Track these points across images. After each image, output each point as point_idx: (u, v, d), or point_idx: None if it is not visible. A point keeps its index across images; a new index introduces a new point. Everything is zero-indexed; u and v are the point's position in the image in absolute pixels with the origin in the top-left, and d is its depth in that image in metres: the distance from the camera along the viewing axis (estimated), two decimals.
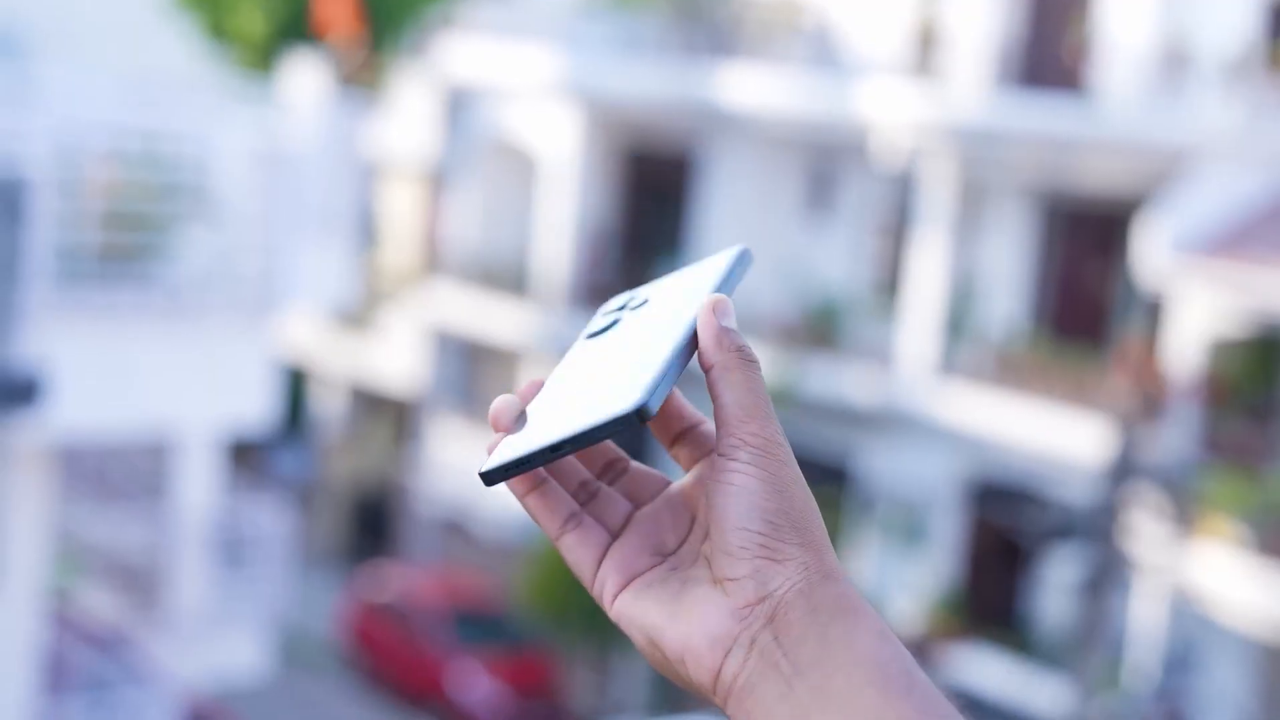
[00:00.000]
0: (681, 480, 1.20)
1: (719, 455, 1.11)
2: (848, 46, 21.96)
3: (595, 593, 1.14)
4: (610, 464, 1.20)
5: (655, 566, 1.14)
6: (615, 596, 1.12)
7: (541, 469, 1.14)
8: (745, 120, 22.38)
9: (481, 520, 25.27)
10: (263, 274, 13.46)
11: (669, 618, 1.09)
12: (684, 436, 1.20)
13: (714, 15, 23.76)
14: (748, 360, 1.13)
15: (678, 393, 1.21)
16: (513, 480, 1.13)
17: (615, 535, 1.16)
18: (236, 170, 13.45)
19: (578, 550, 1.14)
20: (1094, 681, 16.93)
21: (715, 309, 1.16)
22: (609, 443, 1.20)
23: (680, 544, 1.16)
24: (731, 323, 1.16)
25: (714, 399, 1.12)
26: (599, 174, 24.56)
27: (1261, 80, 17.86)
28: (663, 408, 1.20)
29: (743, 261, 1.23)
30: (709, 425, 1.21)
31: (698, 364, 1.16)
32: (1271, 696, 17.31)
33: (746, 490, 1.09)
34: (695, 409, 1.21)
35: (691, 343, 1.14)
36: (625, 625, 1.13)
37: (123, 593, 14.85)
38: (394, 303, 26.62)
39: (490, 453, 1.12)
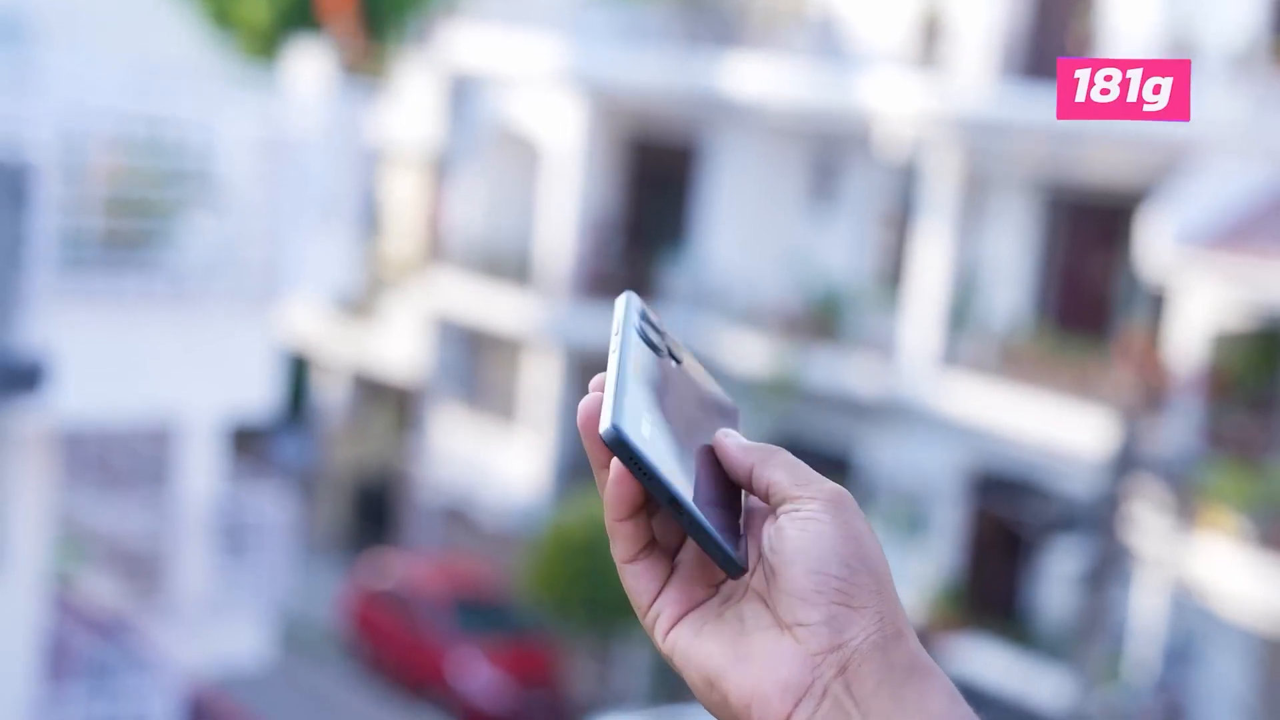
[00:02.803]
0: None
1: (788, 510, 1.10)
2: (852, 37, 21.95)
3: (648, 622, 1.12)
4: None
5: (710, 599, 1.12)
6: (670, 629, 1.11)
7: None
8: (749, 110, 22.37)
9: (483, 508, 25.28)
10: (266, 261, 13.46)
11: (734, 661, 1.08)
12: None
13: (718, 4, 23.74)
14: (781, 451, 1.14)
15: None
16: (623, 503, 1.12)
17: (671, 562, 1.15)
18: (240, 158, 13.45)
19: (643, 579, 1.12)
20: (1094, 673, 16.94)
21: (728, 438, 1.16)
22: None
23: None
24: (742, 439, 1.17)
25: (763, 488, 1.12)
26: (602, 163, 24.55)
27: (1266, 73, 17.84)
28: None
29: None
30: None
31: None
32: (1272, 689, 17.32)
33: (822, 535, 1.07)
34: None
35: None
36: (680, 662, 1.10)
37: (124, 579, 14.87)
38: (397, 290, 26.62)
39: (609, 411, 1.10)
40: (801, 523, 1.08)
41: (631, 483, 1.10)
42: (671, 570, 1.13)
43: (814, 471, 1.12)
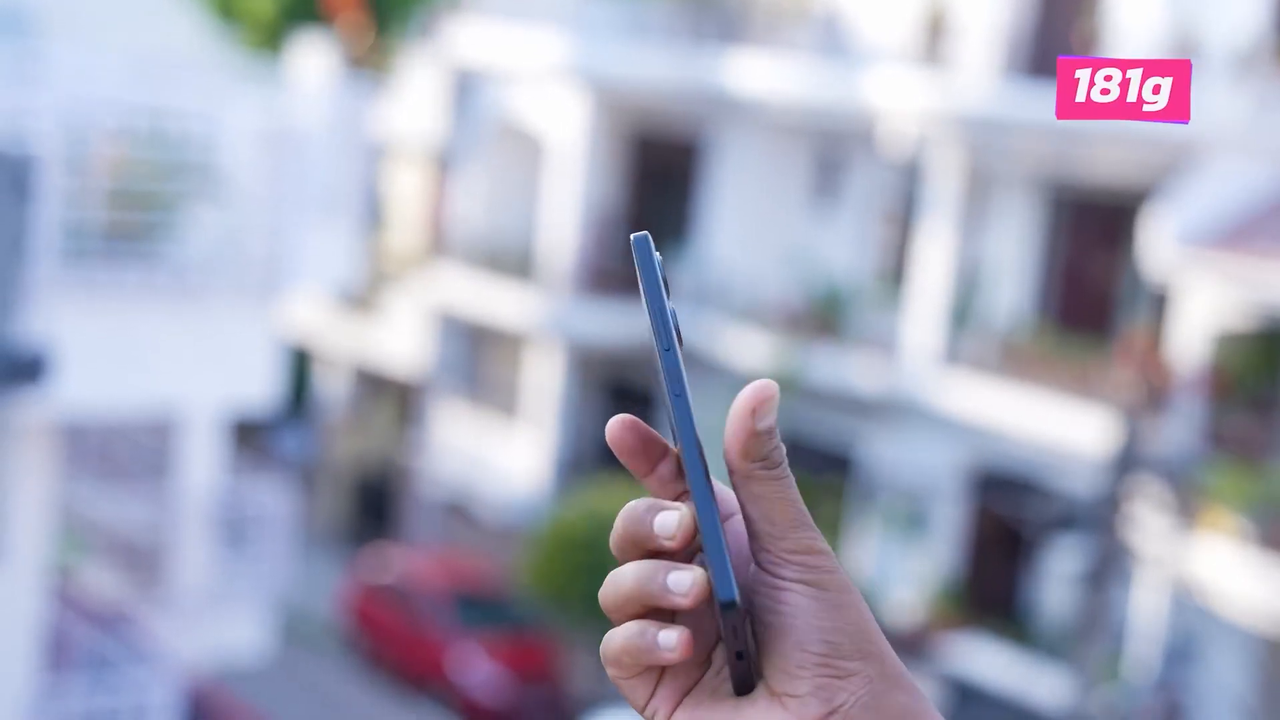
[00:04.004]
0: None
1: (762, 570, 1.09)
2: (856, 34, 21.94)
3: (645, 716, 1.13)
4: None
5: (703, 675, 1.13)
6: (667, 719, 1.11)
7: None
8: (753, 106, 22.36)
9: (483, 503, 25.29)
10: (268, 254, 13.46)
11: None
12: (656, 466, 1.15)
13: (722, 0, 23.72)
14: (770, 471, 1.09)
15: (645, 428, 1.14)
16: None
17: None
18: (243, 150, 13.45)
19: (640, 687, 1.12)
20: (1094, 672, 16.94)
21: (757, 411, 1.08)
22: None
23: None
24: (767, 421, 1.09)
25: (741, 506, 1.10)
26: (605, 158, 24.55)
27: (1269, 72, 17.83)
28: (637, 446, 1.14)
29: (640, 249, 1.13)
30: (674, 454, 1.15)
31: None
32: (1271, 690, 17.32)
33: (800, 610, 1.07)
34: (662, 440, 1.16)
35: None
36: None
37: (125, 571, 14.87)
38: (399, 285, 26.62)
39: (728, 580, 1.06)
40: (779, 595, 1.07)
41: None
42: (663, 671, 1.13)
43: (791, 512, 1.08)
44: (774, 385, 1.09)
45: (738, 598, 1.05)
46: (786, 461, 1.10)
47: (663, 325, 1.11)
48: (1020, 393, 19.07)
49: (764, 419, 1.08)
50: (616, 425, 1.13)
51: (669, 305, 1.12)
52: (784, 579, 1.07)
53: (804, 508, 1.10)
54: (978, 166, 20.38)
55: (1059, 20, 19.94)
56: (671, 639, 1.07)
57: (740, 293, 22.47)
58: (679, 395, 1.09)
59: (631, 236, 1.14)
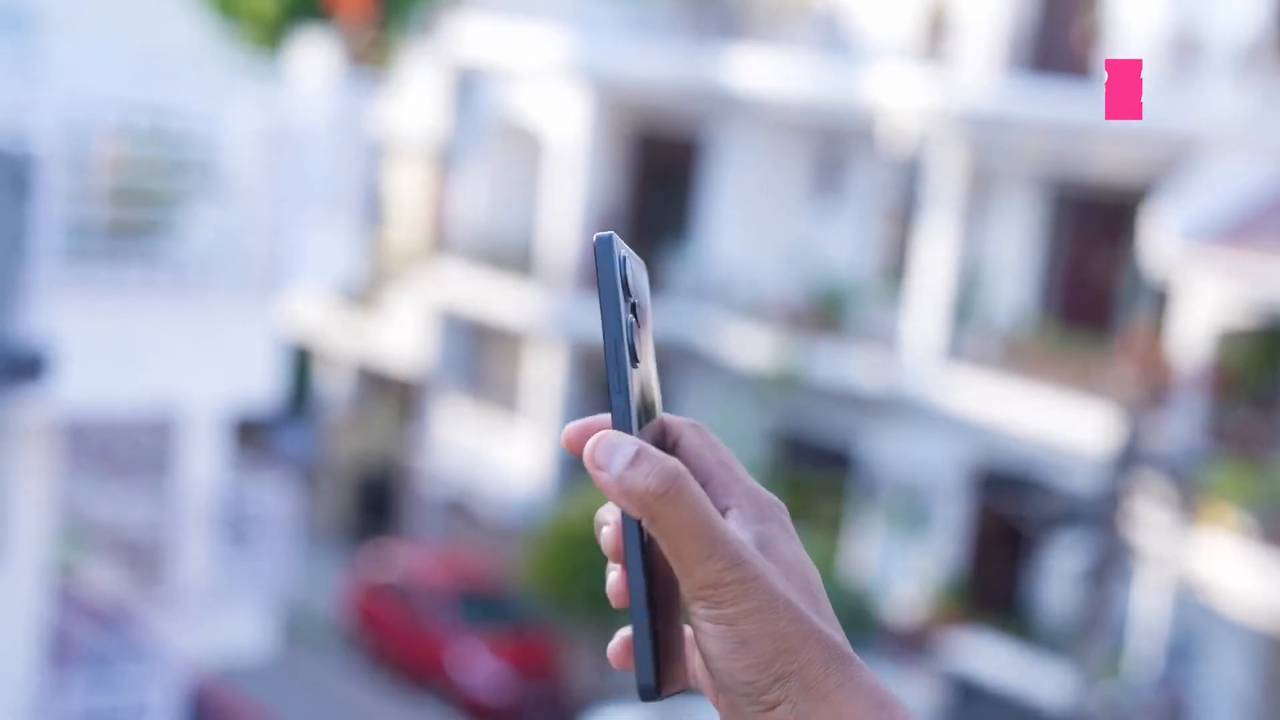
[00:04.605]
0: None
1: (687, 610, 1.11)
2: (857, 30, 21.92)
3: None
4: None
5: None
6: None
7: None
8: (754, 104, 22.34)
9: (485, 500, 25.28)
10: (269, 252, 13.44)
11: None
12: None
13: None
14: (651, 506, 1.04)
15: None
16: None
17: None
18: (244, 148, 13.43)
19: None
20: (1096, 669, 16.94)
21: (594, 461, 1.04)
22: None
23: None
24: (619, 462, 1.02)
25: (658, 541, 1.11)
26: (606, 156, 24.53)
27: (1272, 69, 17.81)
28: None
29: (601, 251, 0.94)
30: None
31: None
32: (1273, 687, 17.31)
33: (714, 655, 1.07)
34: None
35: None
36: None
37: (127, 569, 14.86)
38: (400, 282, 26.61)
39: (651, 672, 1.08)
40: (698, 636, 1.08)
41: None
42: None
43: (690, 539, 1.05)
44: (598, 438, 1.03)
45: (654, 683, 1.05)
46: (681, 472, 1.03)
47: (615, 358, 0.91)
48: (1022, 389, 19.06)
49: (613, 464, 1.03)
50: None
51: (625, 318, 0.91)
52: (696, 617, 1.07)
53: (710, 523, 1.04)
54: (979, 163, 20.36)
55: (1060, 17, 19.92)
56: (610, 649, 1.15)
57: (741, 290, 22.46)
58: (618, 390, 0.96)
59: (595, 236, 0.94)
